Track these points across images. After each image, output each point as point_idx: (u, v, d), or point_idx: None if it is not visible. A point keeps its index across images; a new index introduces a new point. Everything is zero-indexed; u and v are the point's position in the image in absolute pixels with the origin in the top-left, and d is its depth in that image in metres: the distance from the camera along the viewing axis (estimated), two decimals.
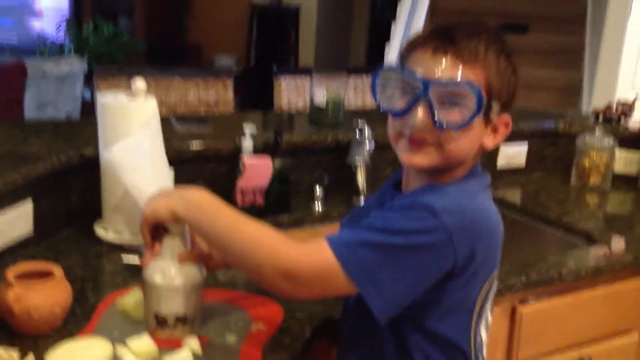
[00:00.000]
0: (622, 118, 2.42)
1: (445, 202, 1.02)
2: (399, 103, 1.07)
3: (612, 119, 2.42)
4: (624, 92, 4.22)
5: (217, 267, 1.26)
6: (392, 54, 4.24)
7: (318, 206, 1.91)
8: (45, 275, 1.20)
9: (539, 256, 1.69)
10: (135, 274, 1.44)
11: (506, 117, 1.10)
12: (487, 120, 1.07)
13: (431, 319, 1.07)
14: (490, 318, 1.18)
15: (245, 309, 1.30)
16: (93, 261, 1.51)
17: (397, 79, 1.07)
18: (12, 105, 3.79)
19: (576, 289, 1.68)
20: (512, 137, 2.29)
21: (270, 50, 7.28)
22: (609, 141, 2.27)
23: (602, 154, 2.27)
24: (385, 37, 8.49)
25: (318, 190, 1.92)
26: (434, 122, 1.04)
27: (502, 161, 2.33)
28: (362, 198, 1.96)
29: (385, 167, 2.08)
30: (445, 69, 1.03)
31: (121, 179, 1.49)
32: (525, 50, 5.25)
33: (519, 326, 1.62)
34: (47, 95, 4.05)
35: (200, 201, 1.11)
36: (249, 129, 1.82)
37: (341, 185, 1.99)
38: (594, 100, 4.43)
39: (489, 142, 1.10)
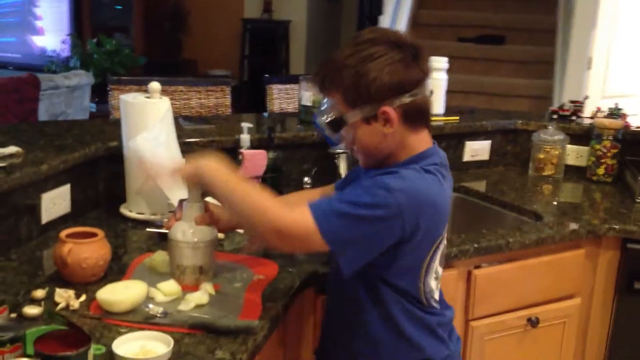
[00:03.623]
0: (575, 116, 2.75)
1: (399, 182, 1.33)
2: None
3: (565, 117, 2.76)
4: (595, 98, 4.56)
5: (225, 229, 1.61)
6: None
7: None
8: (91, 236, 1.52)
9: (492, 230, 2.01)
10: (157, 242, 1.76)
11: (385, 108, 1.35)
12: (367, 119, 1.38)
13: (391, 275, 1.40)
14: (440, 270, 1.49)
15: (249, 267, 1.62)
16: (122, 233, 1.83)
17: None
18: (28, 115, 4.11)
19: (523, 257, 2.00)
20: (477, 135, 2.66)
21: (262, 64, 7.62)
22: (561, 136, 2.61)
23: (555, 148, 2.61)
24: None
25: (306, 180, 2.24)
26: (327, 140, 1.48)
27: (468, 156, 2.66)
28: None
29: None
30: (321, 102, 1.45)
31: (144, 164, 1.80)
32: (501, 60, 5.62)
33: (473, 287, 1.93)
34: (59, 106, 4.37)
35: (218, 170, 1.42)
36: (246, 125, 2.15)
37: (326, 175, 2.31)
38: None
39: (387, 129, 1.38)
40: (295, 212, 1.33)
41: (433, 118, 2.57)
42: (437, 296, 1.50)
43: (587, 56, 4.60)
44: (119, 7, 7.91)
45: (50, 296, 1.42)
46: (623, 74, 4.94)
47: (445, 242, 1.48)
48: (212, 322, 1.32)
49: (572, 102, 2.80)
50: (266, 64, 7.60)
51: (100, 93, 5.86)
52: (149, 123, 1.85)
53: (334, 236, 1.30)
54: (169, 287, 1.45)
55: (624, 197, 2.42)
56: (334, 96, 1.40)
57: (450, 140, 2.62)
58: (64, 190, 1.85)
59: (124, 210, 1.95)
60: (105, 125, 2.28)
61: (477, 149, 2.68)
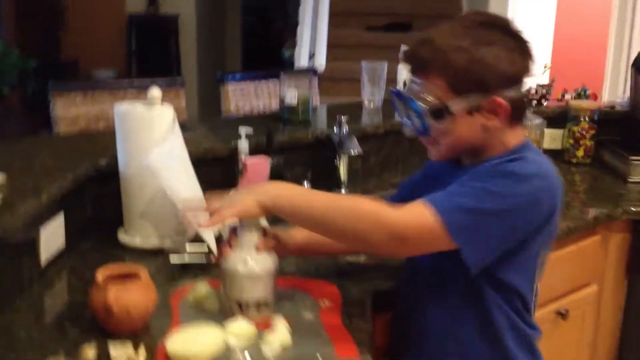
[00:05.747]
0: (543, 100, 2.73)
1: (529, 167, 1.21)
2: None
3: (534, 101, 2.73)
4: None
5: (288, 253, 1.39)
6: (303, 57, 4.41)
7: None
8: (130, 276, 1.27)
9: None
10: (183, 272, 1.53)
11: (497, 99, 1.22)
12: (471, 109, 1.24)
13: (505, 271, 1.25)
14: None
15: (306, 291, 1.42)
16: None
17: None
18: None
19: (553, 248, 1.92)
20: None
21: (151, 61, 7.20)
22: (539, 121, 2.57)
23: (533, 131, 2.57)
24: (258, 42, 8.61)
25: (306, 185, 2.05)
26: (415, 130, 1.29)
27: None
28: (342, 190, 2.11)
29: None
30: (410, 86, 1.28)
31: (159, 184, 1.55)
32: None
33: None
34: None
35: (285, 190, 1.25)
36: (244, 129, 1.93)
37: (321, 179, 2.13)
38: None
39: (490, 122, 1.25)
40: (412, 211, 1.17)
41: None
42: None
43: None
44: None
45: (103, 353, 1.17)
46: None
47: None
48: None
49: (540, 85, 2.77)
50: (156, 60, 7.20)
51: None
52: (155, 135, 1.60)
53: (462, 233, 1.16)
54: (243, 328, 1.23)
55: (612, 178, 2.41)
56: (435, 80, 1.24)
57: None
58: (59, 221, 1.56)
59: (123, 237, 1.68)
60: (72, 141, 1.99)
61: None
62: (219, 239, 1.54)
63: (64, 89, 2.44)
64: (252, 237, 1.30)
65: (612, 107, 2.68)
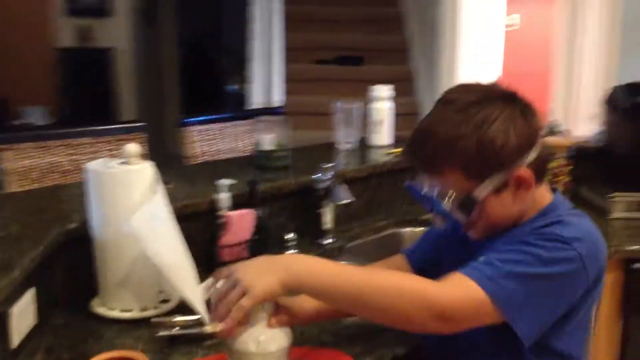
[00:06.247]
0: None
1: (571, 231, 1.13)
2: None
3: None
4: None
5: (302, 323, 1.30)
6: (256, 93, 4.29)
7: (292, 251, 1.91)
8: None
9: None
10: (173, 345, 1.37)
11: (519, 172, 1.16)
12: (496, 190, 1.17)
13: (556, 338, 1.17)
14: None
15: None
16: (114, 342, 1.39)
17: None
18: None
19: None
20: None
21: (84, 97, 6.89)
22: None
23: None
24: (196, 76, 8.41)
25: (292, 236, 1.91)
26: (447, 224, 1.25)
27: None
28: (330, 239, 1.99)
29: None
30: (431, 184, 1.21)
31: (142, 250, 1.39)
32: (362, 80, 5.55)
33: None
34: None
35: (309, 266, 1.12)
36: (225, 182, 1.79)
37: (304, 227, 2.00)
38: None
39: (521, 194, 1.18)
40: (455, 286, 1.08)
41: (390, 151, 2.39)
42: None
43: (455, 74, 4.66)
44: None
45: None
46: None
47: None
48: None
49: None
50: (91, 96, 6.89)
51: None
52: (135, 197, 1.44)
53: (510, 304, 1.07)
54: None
55: (593, 214, 2.33)
56: (450, 175, 1.17)
57: (405, 173, 2.43)
58: (30, 297, 1.38)
59: (99, 308, 1.51)
60: (30, 200, 1.80)
61: None
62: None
63: (13, 141, 2.23)
64: (263, 311, 1.16)
65: (585, 143, 2.66)
